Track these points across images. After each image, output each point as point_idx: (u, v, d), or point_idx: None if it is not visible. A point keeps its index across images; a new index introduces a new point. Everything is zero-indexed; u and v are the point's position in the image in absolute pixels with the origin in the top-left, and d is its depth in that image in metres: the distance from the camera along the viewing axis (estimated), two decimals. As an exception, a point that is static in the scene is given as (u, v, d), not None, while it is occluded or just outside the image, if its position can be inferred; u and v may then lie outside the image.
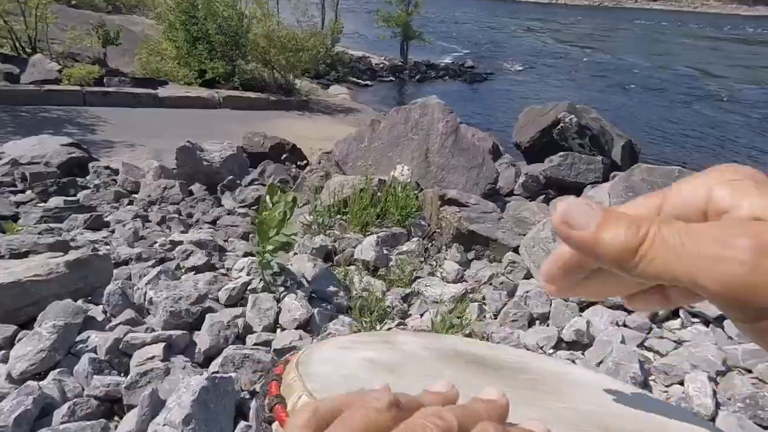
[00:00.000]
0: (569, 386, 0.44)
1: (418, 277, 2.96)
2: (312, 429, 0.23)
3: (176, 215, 3.63)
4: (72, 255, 2.24)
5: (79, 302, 2.11)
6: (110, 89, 8.91)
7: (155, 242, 2.96)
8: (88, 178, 4.30)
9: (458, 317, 2.43)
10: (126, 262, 2.68)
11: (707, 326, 2.45)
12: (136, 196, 4.06)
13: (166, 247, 2.91)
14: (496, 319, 2.60)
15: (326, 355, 0.45)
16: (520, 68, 21.59)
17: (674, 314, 2.63)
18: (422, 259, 3.25)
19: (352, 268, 3.11)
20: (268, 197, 2.42)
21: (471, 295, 2.76)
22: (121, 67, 10.50)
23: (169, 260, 2.79)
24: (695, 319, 2.54)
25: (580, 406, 0.39)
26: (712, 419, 1.84)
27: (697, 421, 0.40)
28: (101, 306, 2.15)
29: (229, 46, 11.45)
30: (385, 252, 3.20)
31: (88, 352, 1.87)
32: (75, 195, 3.76)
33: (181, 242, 2.98)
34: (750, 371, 2.07)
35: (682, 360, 2.11)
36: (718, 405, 1.88)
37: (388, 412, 0.23)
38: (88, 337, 1.93)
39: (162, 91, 9.58)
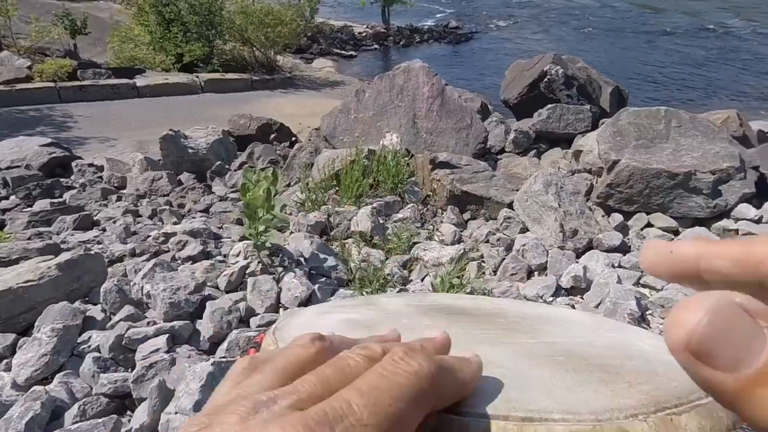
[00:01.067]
0: (543, 325, 0.44)
1: (416, 243, 2.95)
2: (246, 370, 0.23)
3: (167, 207, 3.58)
4: (63, 257, 2.21)
5: (76, 303, 2.10)
6: (85, 83, 8.65)
7: (148, 236, 2.93)
8: (72, 177, 4.22)
9: (458, 277, 2.43)
10: (120, 259, 2.66)
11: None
12: (124, 191, 4.00)
13: (160, 240, 2.88)
14: (495, 274, 2.62)
15: (304, 320, 0.45)
16: (504, 24, 20.97)
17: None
18: (419, 224, 3.23)
19: (350, 240, 3.10)
20: (247, 178, 2.38)
21: (469, 254, 2.76)
22: (93, 58, 10.17)
23: (163, 253, 2.77)
24: (659, 241, 2.56)
25: (552, 340, 0.39)
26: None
27: (658, 338, 0.40)
28: (99, 305, 2.14)
29: (204, 25, 11.05)
30: (381, 221, 3.17)
31: (91, 351, 1.88)
32: (61, 196, 3.70)
33: (174, 233, 2.95)
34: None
35: (676, 292, 2.14)
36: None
37: (312, 346, 0.24)
38: (90, 337, 1.93)
39: (140, 80, 9.31)
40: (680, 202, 2.87)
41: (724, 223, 2.77)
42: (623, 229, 2.89)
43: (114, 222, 3.18)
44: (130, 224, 3.14)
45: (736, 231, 2.71)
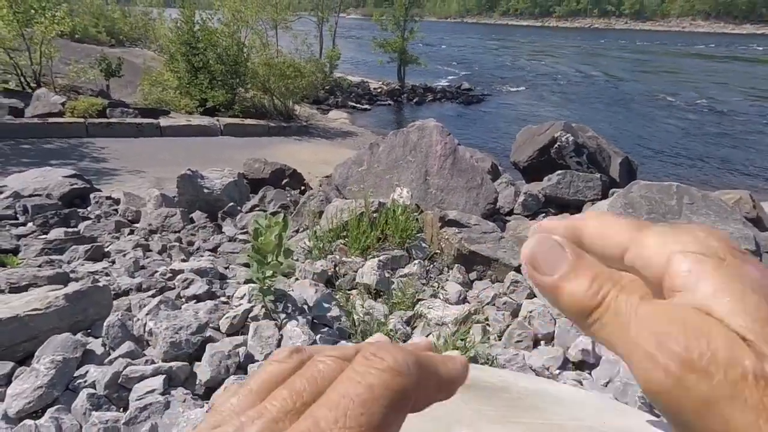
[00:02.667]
0: (547, 402, 0.44)
1: (421, 300, 2.93)
2: (224, 395, 0.23)
3: (177, 243, 3.63)
4: (71, 287, 2.23)
5: (78, 335, 2.09)
6: (113, 120, 9.07)
7: (156, 271, 2.95)
8: (89, 208, 4.33)
9: (462, 339, 2.39)
10: (126, 293, 2.67)
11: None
12: (137, 225, 4.08)
13: (167, 276, 2.90)
14: (500, 340, 2.56)
15: None
16: (515, 89, 21.98)
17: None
18: (424, 281, 3.22)
19: (354, 292, 3.08)
20: (258, 223, 2.43)
21: (474, 317, 2.72)
22: (123, 99, 10.72)
23: (169, 289, 2.78)
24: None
25: (554, 420, 0.39)
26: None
27: (665, 426, 0.40)
28: (101, 339, 2.13)
29: (230, 74, 11.72)
30: (386, 275, 3.17)
31: (86, 387, 1.84)
32: (76, 226, 3.77)
33: (181, 271, 2.97)
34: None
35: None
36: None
37: (289, 360, 0.23)
38: (87, 371, 1.90)
39: (164, 121, 9.75)
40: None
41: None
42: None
43: (124, 255, 3.21)
44: (139, 258, 3.17)
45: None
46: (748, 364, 0.17)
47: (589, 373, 2.25)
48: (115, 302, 2.49)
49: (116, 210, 4.36)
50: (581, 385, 2.17)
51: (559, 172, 5.01)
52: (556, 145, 5.70)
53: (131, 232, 3.84)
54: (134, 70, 12.56)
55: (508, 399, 0.45)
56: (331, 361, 0.22)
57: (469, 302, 2.98)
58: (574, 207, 4.83)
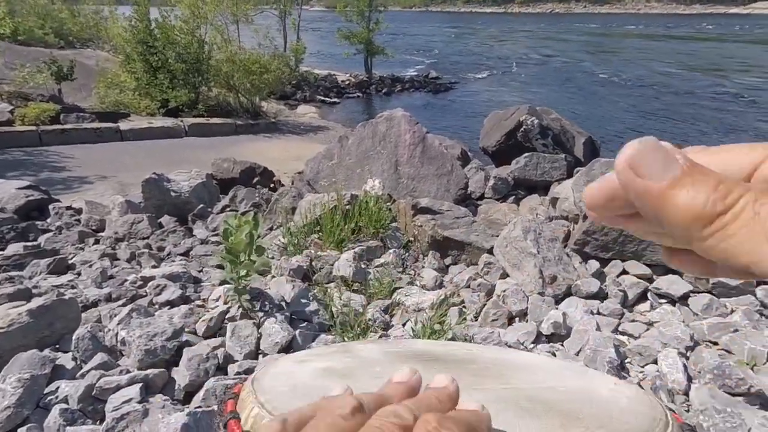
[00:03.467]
0: (511, 370, 0.46)
1: (398, 288, 2.97)
2: None
3: (146, 250, 3.53)
4: (35, 302, 2.15)
5: (46, 351, 2.02)
6: (68, 126, 8.67)
7: (125, 280, 2.87)
8: (49, 220, 4.14)
9: (439, 323, 2.44)
10: (95, 304, 2.58)
11: (674, 305, 2.55)
12: (102, 234, 3.94)
13: (137, 284, 2.83)
14: (476, 320, 2.63)
15: (281, 369, 0.46)
16: (481, 75, 22.23)
17: (643, 297, 2.72)
18: (400, 269, 3.26)
19: (332, 285, 3.09)
20: (228, 223, 2.40)
21: (450, 300, 2.78)
22: (78, 103, 10.25)
23: (141, 297, 2.71)
24: (662, 300, 2.64)
25: (519, 386, 0.41)
26: (686, 393, 1.91)
27: (620, 382, 0.43)
28: (70, 353, 2.06)
29: (191, 73, 11.36)
30: (362, 266, 3.19)
31: (58, 403, 1.79)
32: (35, 239, 3.61)
33: (152, 277, 2.90)
34: (716, 343, 2.17)
35: (653, 340, 2.19)
36: (690, 379, 1.95)
37: (353, 418, 0.24)
38: (58, 387, 1.85)
39: (124, 124, 9.39)
40: (653, 251, 2.99)
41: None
42: (600, 275, 2.97)
43: (90, 266, 3.10)
44: (107, 268, 3.07)
45: (707, 279, 2.83)
46: None
47: (562, 345, 2.34)
48: (83, 314, 2.41)
49: (78, 220, 4.19)
50: (554, 356, 2.26)
51: (526, 154, 5.13)
52: (522, 129, 5.82)
53: (96, 242, 3.71)
54: (88, 72, 11.99)
55: (474, 369, 0.46)
56: (395, 427, 0.22)
57: (445, 287, 3.04)
58: (541, 188, 4.95)
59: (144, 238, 3.87)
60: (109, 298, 2.64)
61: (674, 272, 2.95)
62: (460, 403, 0.29)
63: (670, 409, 0.40)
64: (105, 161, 7.44)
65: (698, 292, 2.63)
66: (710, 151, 0.24)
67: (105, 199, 4.69)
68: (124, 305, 2.49)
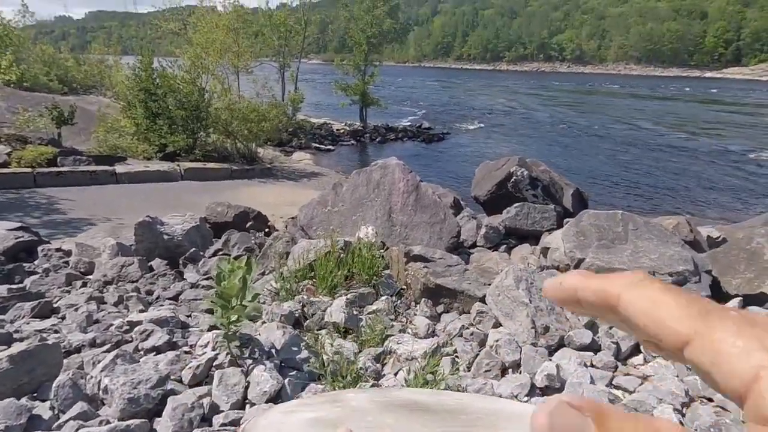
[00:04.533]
0: (502, 420, 0.47)
1: (390, 335, 2.93)
2: None
3: (135, 293, 3.47)
4: (16, 348, 2.08)
5: (23, 400, 1.94)
6: (64, 168, 8.74)
7: (111, 324, 2.81)
8: (36, 262, 4.09)
9: (431, 372, 2.39)
10: (78, 350, 2.51)
11: (667, 359, 2.54)
12: (90, 277, 3.88)
13: (124, 329, 2.76)
14: (469, 370, 2.58)
15: (270, 420, 0.47)
16: (472, 127, 23.10)
17: (636, 350, 2.71)
18: (392, 316, 3.23)
19: (323, 332, 3.04)
20: (221, 267, 2.40)
21: (443, 349, 2.74)
22: (77, 146, 10.40)
23: (126, 342, 2.64)
24: (655, 353, 2.62)
25: None
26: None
27: None
28: (48, 402, 1.98)
29: (190, 119, 11.68)
30: (355, 312, 3.16)
31: (32, 455, 1.70)
32: (21, 282, 3.54)
33: (140, 322, 2.84)
34: (711, 399, 2.14)
35: (648, 395, 2.16)
36: (689, 438, 1.91)
37: None
38: (33, 437, 1.76)
39: (120, 167, 9.49)
40: (642, 300, 3.01)
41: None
42: (592, 326, 2.96)
43: (76, 309, 3.04)
44: (93, 312, 3.00)
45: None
46: None
47: (557, 398, 2.30)
48: (65, 360, 2.33)
49: (67, 262, 4.14)
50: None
51: (517, 204, 5.25)
52: (512, 180, 6.00)
53: (84, 285, 3.64)
54: (88, 117, 12.27)
55: (465, 420, 0.46)
56: None
57: (437, 335, 3.00)
58: (532, 237, 5.03)
59: (133, 281, 3.82)
60: (93, 344, 2.57)
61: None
62: None
63: None
64: (99, 204, 7.45)
65: (690, 344, 2.62)
66: (648, 294, 0.22)
67: (96, 242, 4.66)
68: (108, 351, 2.42)
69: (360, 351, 2.79)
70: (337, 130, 19.93)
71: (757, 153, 17.83)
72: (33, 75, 16.96)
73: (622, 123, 24.74)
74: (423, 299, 3.35)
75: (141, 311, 3.19)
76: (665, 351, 0.21)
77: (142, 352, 2.57)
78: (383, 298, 3.39)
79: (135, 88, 11.41)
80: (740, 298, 3.03)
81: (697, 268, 3.03)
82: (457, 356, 2.72)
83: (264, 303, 3.36)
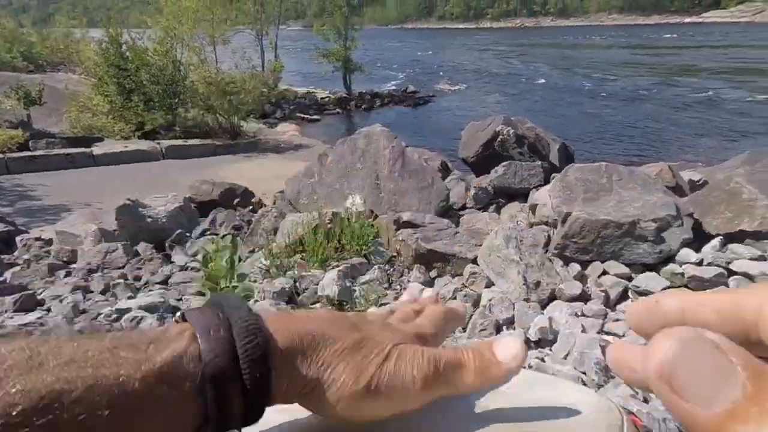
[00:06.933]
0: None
1: (384, 304, 2.92)
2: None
3: (121, 280, 3.40)
4: (-1, 342, 2.02)
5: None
6: (37, 153, 8.42)
7: (99, 313, 2.75)
8: (15, 253, 3.97)
9: (427, 340, 2.40)
10: (66, 340, 2.46)
11: (655, 302, 2.58)
12: (74, 266, 3.79)
13: (112, 317, 2.71)
14: (465, 332, 2.60)
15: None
16: (458, 88, 22.66)
17: (624, 296, 2.76)
18: (386, 285, 3.21)
19: (318, 305, 3.02)
20: (206, 249, 2.34)
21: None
22: (48, 128, 9.99)
23: (116, 331, 2.59)
24: (642, 297, 2.66)
25: (484, 403, 0.42)
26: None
27: (581, 390, 0.43)
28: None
29: (167, 95, 11.23)
30: (348, 284, 3.14)
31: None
32: (1, 275, 3.45)
33: (128, 309, 2.79)
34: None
35: (637, 337, 2.18)
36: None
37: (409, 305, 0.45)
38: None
39: (97, 149, 9.18)
40: (629, 250, 3.03)
41: (671, 267, 2.93)
42: (582, 278, 2.99)
43: (61, 300, 2.97)
44: (79, 302, 2.94)
45: (682, 275, 2.87)
46: None
47: (550, 349, 2.33)
48: (53, 352, 2.28)
49: (48, 252, 4.03)
50: (543, 361, 2.26)
51: (504, 163, 5.18)
52: (498, 139, 5.90)
53: (68, 275, 3.56)
54: (58, 96, 11.72)
55: None
56: (410, 309, 0.42)
57: (431, 301, 3.01)
58: (521, 195, 5.00)
59: (119, 268, 3.74)
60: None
61: (651, 269, 2.99)
62: None
63: (630, 412, 0.40)
64: (77, 188, 7.23)
65: (675, 287, 2.67)
66: (684, 296, 0.18)
67: (77, 229, 4.53)
68: (97, 340, 2.38)
69: (354, 322, 2.79)
70: (322, 98, 19.40)
71: (735, 94, 17.84)
72: (-8, 53, 16.09)
73: (603, 75, 24.48)
74: (415, 265, 3.34)
75: (130, 298, 3.13)
76: None
77: (132, 339, 2.53)
78: (375, 267, 3.36)
79: (104, 64, 10.86)
80: (721, 237, 3.07)
81: (679, 213, 3.04)
82: (451, 320, 2.73)
83: (255, 281, 3.32)
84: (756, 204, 3.07)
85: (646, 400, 1.88)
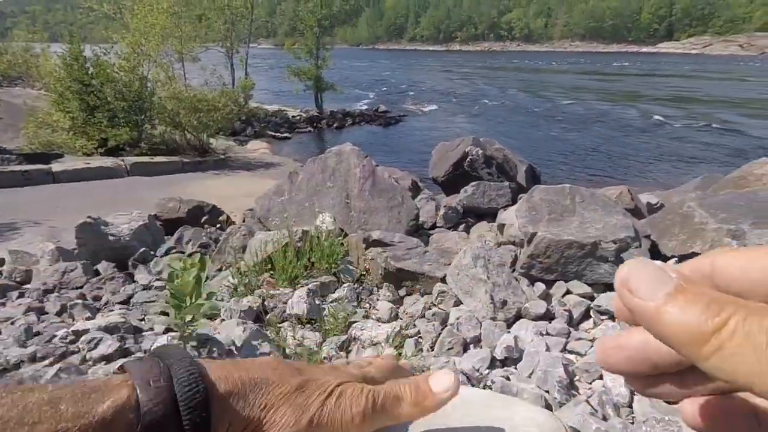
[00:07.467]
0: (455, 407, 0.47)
1: (354, 322, 2.92)
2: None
3: (80, 300, 3.26)
4: (-57, 369, 1.90)
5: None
6: (-8, 170, 8.01)
7: (54, 336, 2.63)
8: (-36, 274, 3.74)
9: (396, 355, 2.41)
10: (17, 366, 2.33)
11: (614, 320, 2.70)
12: (28, 286, 3.60)
13: (68, 339, 2.59)
14: (432, 350, 2.63)
15: None
16: (428, 108, 23.22)
17: (586, 315, 2.86)
18: (355, 303, 3.22)
19: (286, 324, 2.99)
20: (172, 266, 2.30)
21: (405, 331, 2.77)
22: (3, 144, 9.54)
23: (72, 353, 2.48)
24: (603, 316, 2.78)
25: (444, 422, 0.44)
26: (630, 405, 2.00)
27: (532, 409, 0.46)
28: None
29: (133, 111, 10.97)
30: (317, 302, 3.13)
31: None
32: (-52, 296, 3.24)
33: (86, 330, 2.67)
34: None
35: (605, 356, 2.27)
36: (632, 392, 2.04)
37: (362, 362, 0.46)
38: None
39: (56, 165, 8.81)
40: (592, 270, 3.17)
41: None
42: (546, 297, 3.09)
43: (12, 323, 2.81)
44: (32, 324, 2.80)
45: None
46: None
47: (515, 368, 2.39)
48: (1, 380, 2.16)
49: (0, 272, 3.82)
50: (509, 380, 2.30)
51: (473, 183, 5.34)
52: (468, 159, 6.09)
53: (21, 296, 3.38)
54: (15, 111, 11.24)
55: None
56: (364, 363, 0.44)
57: (400, 318, 3.03)
58: (490, 215, 5.15)
59: (77, 288, 3.58)
60: (33, 358, 2.39)
61: (612, 289, 3.14)
62: None
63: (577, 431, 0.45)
64: (34, 206, 6.89)
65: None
66: (735, 252, 0.23)
67: (33, 248, 4.32)
68: (51, 365, 2.27)
69: (324, 340, 2.77)
70: (293, 117, 19.42)
71: (690, 122, 19.12)
72: (-54, 66, 15.31)
73: (566, 99, 25.74)
74: (384, 284, 3.36)
75: (88, 319, 3.01)
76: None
77: (90, 363, 2.42)
78: (345, 285, 3.37)
79: (67, 79, 10.53)
80: (676, 258, 3.26)
81: (637, 234, 3.22)
82: (420, 337, 2.76)
83: (222, 300, 3.26)
84: (706, 227, 3.27)
85: (605, 418, 1.95)
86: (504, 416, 0.44)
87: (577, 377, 2.25)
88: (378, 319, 2.99)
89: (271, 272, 3.55)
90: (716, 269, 0.23)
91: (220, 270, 4.15)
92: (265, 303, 3.19)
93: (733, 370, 0.18)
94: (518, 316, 2.86)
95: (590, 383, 2.21)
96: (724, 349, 0.19)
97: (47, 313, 3.08)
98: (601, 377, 2.19)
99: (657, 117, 20.15)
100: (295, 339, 2.73)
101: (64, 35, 11.75)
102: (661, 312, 0.20)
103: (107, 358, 2.46)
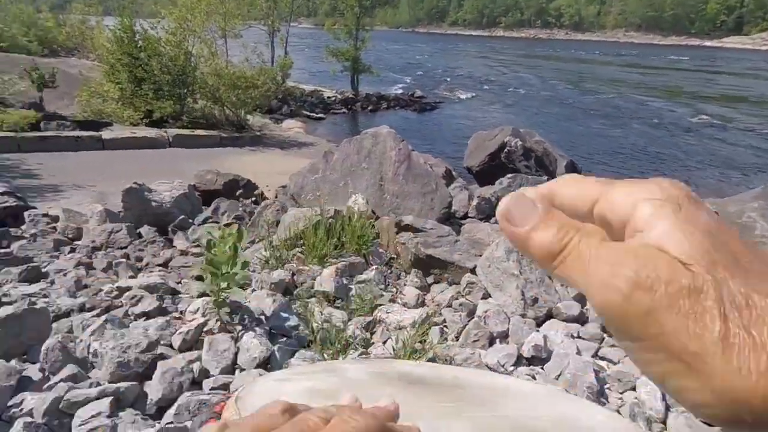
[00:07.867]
0: (500, 397, 0.47)
1: (379, 305, 2.96)
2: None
3: (124, 260, 3.45)
4: (4, 311, 2.07)
5: (13, 362, 1.95)
6: (48, 133, 8.49)
7: (100, 290, 2.80)
8: (23, 227, 4.02)
9: (420, 342, 2.44)
10: (67, 314, 2.51)
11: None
12: (78, 243, 3.84)
13: (113, 294, 2.76)
14: (457, 340, 2.64)
15: (265, 388, 0.47)
16: (466, 96, 22.72)
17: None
18: (382, 286, 3.26)
19: (313, 300, 3.07)
20: (212, 234, 2.39)
21: (432, 319, 2.79)
22: (60, 111, 10.06)
23: (116, 308, 2.64)
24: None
25: (507, 413, 0.42)
26: (663, 421, 1.94)
27: (607, 413, 0.44)
28: (38, 364, 1.99)
29: (177, 84, 11.30)
30: (344, 282, 3.18)
31: (22, 416, 1.72)
32: (8, 246, 3.50)
33: (129, 288, 2.84)
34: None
35: (632, 366, 2.22)
36: (668, 407, 1.98)
37: (281, 416, 0.28)
38: (23, 400, 1.78)
39: (106, 133, 9.24)
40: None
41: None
42: (581, 299, 3.02)
43: (64, 274, 3.02)
44: (82, 277, 2.99)
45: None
46: (684, 281, 0.21)
47: (542, 368, 2.36)
48: (54, 325, 2.33)
49: (54, 228, 4.08)
50: (534, 379, 2.28)
51: (510, 175, 5.25)
52: (505, 150, 5.96)
53: (72, 251, 3.61)
54: (71, 80, 11.80)
55: (461, 395, 0.48)
56: (317, 418, 0.27)
57: (427, 305, 3.05)
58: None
59: (122, 248, 3.79)
60: (82, 308, 2.57)
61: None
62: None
63: None
64: (85, 170, 7.28)
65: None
66: (574, 180, 0.28)
67: (83, 208, 4.58)
68: (98, 316, 2.43)
69: (349, 320, 2.83)
70: (328, 98, 19.48)
71: (749, 126, 17.89)
72: (11, 35, 16.17)
73: (615, 94, 24.53)
74: (413, 269, 3.38)
75: (131, 277, 3.18)
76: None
77: (132, 318, 2.58)
78: (373, 267, 3.41)
79: (117, 52, 10.94)
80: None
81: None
82: (445, 326, 2.77)
83: (254, 271, 3.37)
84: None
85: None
86: (573, 415, 0.43)
87: (608, 385, 2.20)
88: (404, 304, 3.01)
89: (302, 248, 3.63)
90: (557, 194, 0.27)
91: (252, 242, 4.28)
92: (295, 277, 3.28)
93: (572, 278, 0.24)
94: (549, 316, 2.81)
95: (621, 393, 2.15)
96: (565, 264, 0.24)
97: (95, 269, 3.28)
98: (633, 388, 2.13)
99: (712, 118, 18.94)
100: (322, 315, 2.80)
101: (118, 9, 12.16)
102: (528, 238, 0.25)
103: (147, 315, 2.61)
